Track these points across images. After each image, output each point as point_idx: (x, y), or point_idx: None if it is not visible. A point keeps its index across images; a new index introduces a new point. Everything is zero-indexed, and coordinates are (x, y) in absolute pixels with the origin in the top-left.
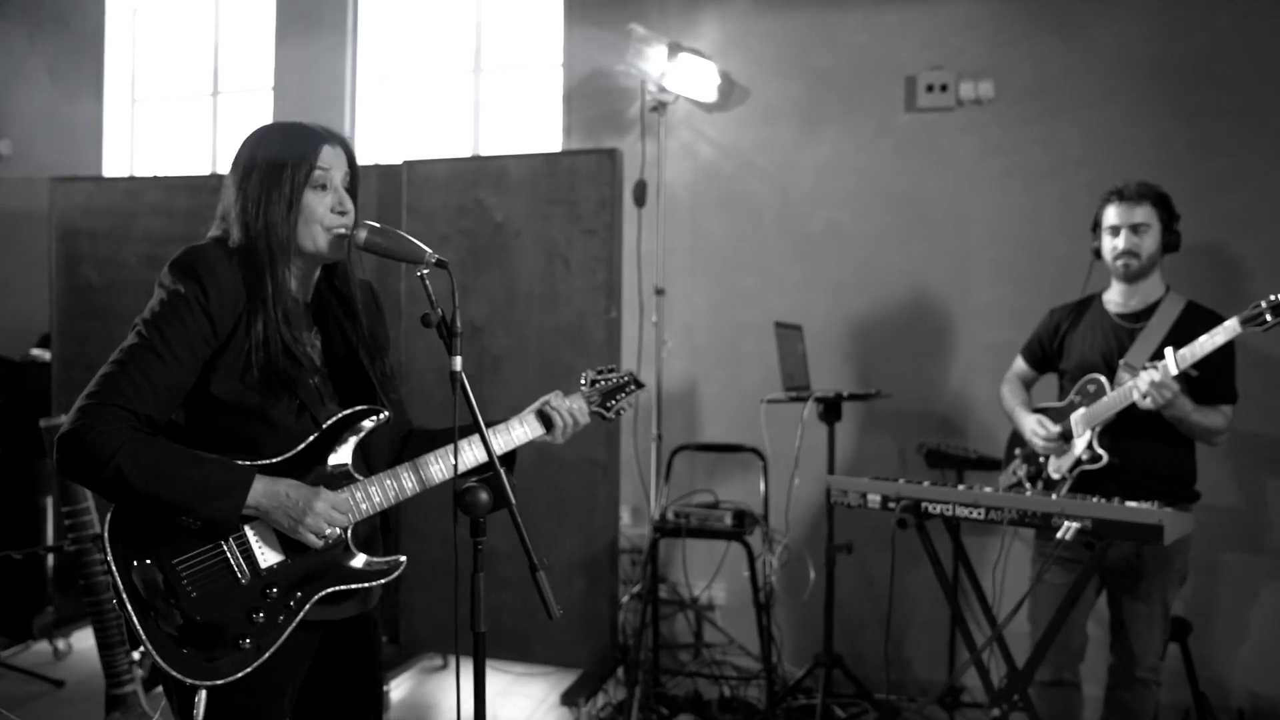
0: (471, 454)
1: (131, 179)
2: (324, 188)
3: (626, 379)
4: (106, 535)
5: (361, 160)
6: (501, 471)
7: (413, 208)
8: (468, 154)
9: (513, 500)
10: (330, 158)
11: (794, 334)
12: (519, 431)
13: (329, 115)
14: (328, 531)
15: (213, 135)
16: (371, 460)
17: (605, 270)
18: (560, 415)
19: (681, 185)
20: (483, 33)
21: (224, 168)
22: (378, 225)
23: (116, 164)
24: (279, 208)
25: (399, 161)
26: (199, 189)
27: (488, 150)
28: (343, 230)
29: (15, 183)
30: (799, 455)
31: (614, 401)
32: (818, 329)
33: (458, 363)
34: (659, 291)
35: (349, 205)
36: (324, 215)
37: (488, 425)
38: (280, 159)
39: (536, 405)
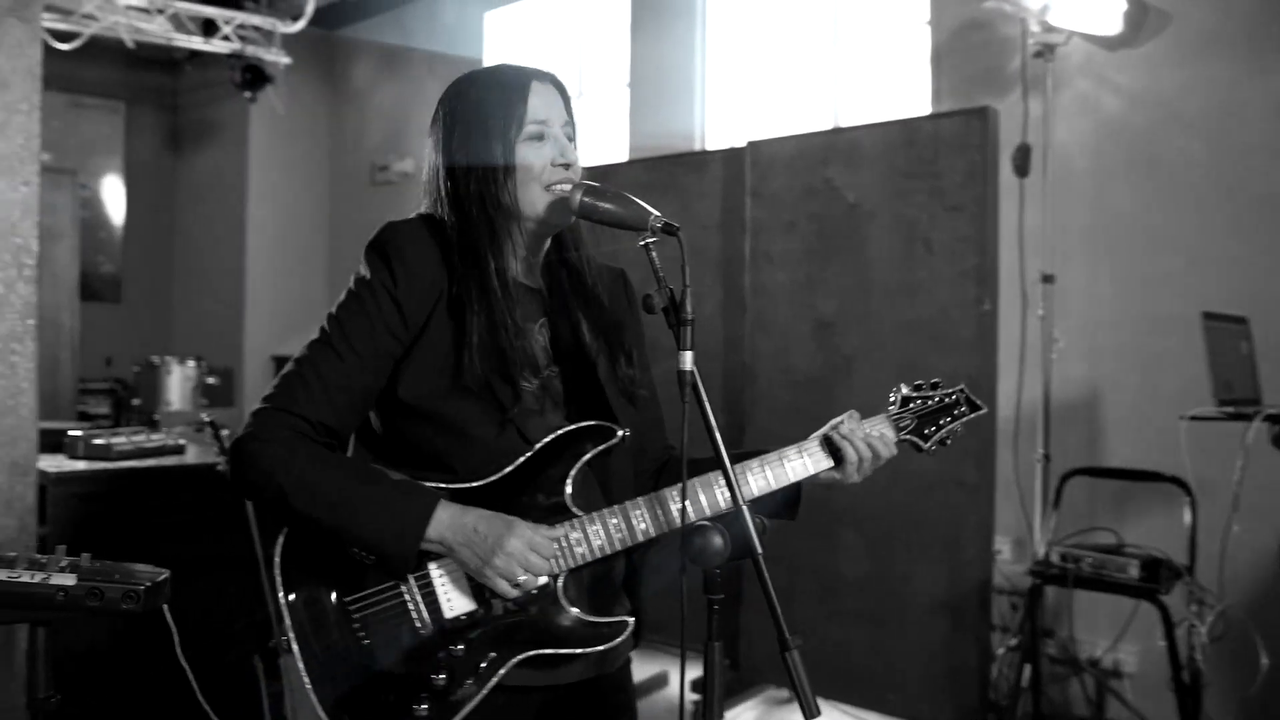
0: (720, 494)
1: None
2: (540, 138)
3: (954, 398)
4: (278, 560)
5: (711, 145)
6: (745, 510)
7: (756, 192)
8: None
9: (758, 549)
10: (543, 100)
11: (1233, 329)
12: (796, 464)
13: (681, 103)
14: (521, 578)
15: None
16: (612, 494)
17: (976, 254)
18: (854, 446)
19: (1077, 147)
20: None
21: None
22: (596, 185)
23: None
24: (490, 165)
25: (743, 144)
26: None
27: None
28: (567, 186)
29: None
30: (1239, 491)
31: (935, 428)
32: (1270, 323)
33: (688, 359)
34: (1046, 279)
35: (573, 155)
36: (543, 170)
37: (754, 456)
38: (485, 106)
39: (823, 430)
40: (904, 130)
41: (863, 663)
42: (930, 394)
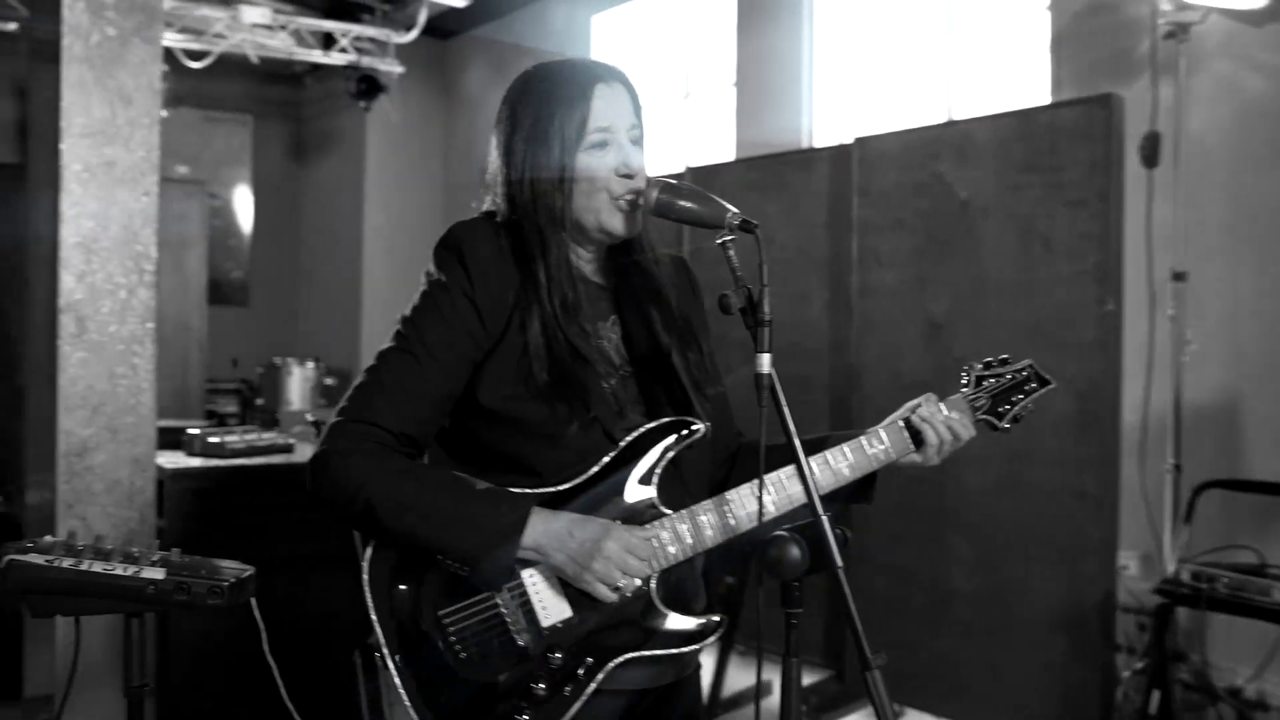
0: (798, 486)
1: None
2: (604, 145)
3: (1025, 372)
4: (366, 578)
5: (819, 143)
6: (824, 519)
7: (864, 190)
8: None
9: (839, 561)
10: (608, 103)
11: None
12: (876, 449)
13: (788, 101)
14: (620, 582)
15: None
16: (690, 488)
17: (1097, 251)
18: (935, 428)
19: (1215, 134)
20: None
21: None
22: (672, 182)
23: None
24: (549, 175)
25: (850, 140)
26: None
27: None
28: (632, 198)
29: None
30: None
31: (1009, 405)
32: None
33: (765, 362)
34: (1178, 276)
35: (637, 164)
36: (608, 180)
37: (834, 442)
38: (546, 110)
39: (900, 413)
40: (1019, 121)
41: (975, 679)
42: (1001, 370)
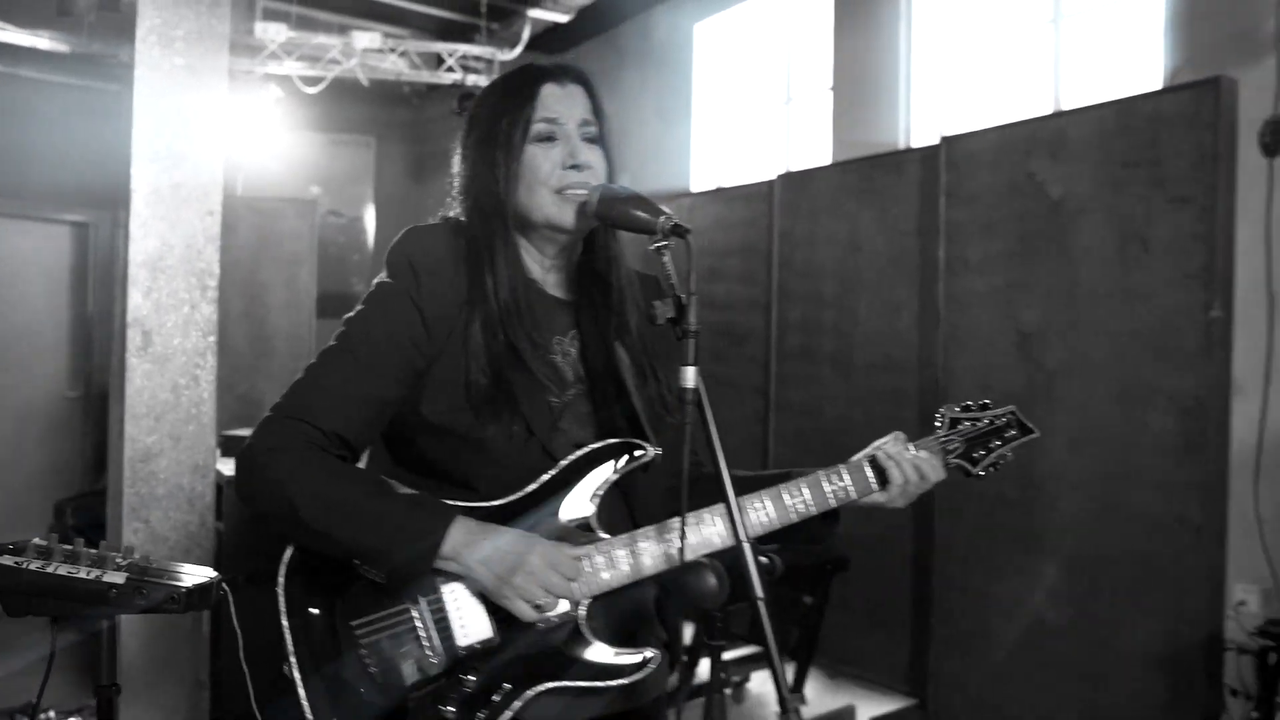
0: (754, 517)
1: (695, 194)
2: (550, 139)
3: (1004, 420)
4: (281, 579)
5: (910, 143)
6: (747, 546)
7: (951, 193)
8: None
9: (758, 592)
10: (557, 100)
11: None
12: (834, 486)
13: (884, 102)
14: (541, 600)
15: (785, 142)
16: (637, 516)
17: (1204, 252)
18: (900, 467)
19: None
20: None
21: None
22: (613, 186)
23: (702, 180)
24: (495, 170)
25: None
26: (752, 198)
27: None
28: (579, 191)
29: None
30: None
31: (985, 451)
32: None
33: (690, 375)
34: None
35: (584, 157)
36: (550, 173)
37: (795, 477)
38: (496, 110)
39: (867, 450)
40: (1119, 112)
41: (1066, 719)
42: (979, 415)
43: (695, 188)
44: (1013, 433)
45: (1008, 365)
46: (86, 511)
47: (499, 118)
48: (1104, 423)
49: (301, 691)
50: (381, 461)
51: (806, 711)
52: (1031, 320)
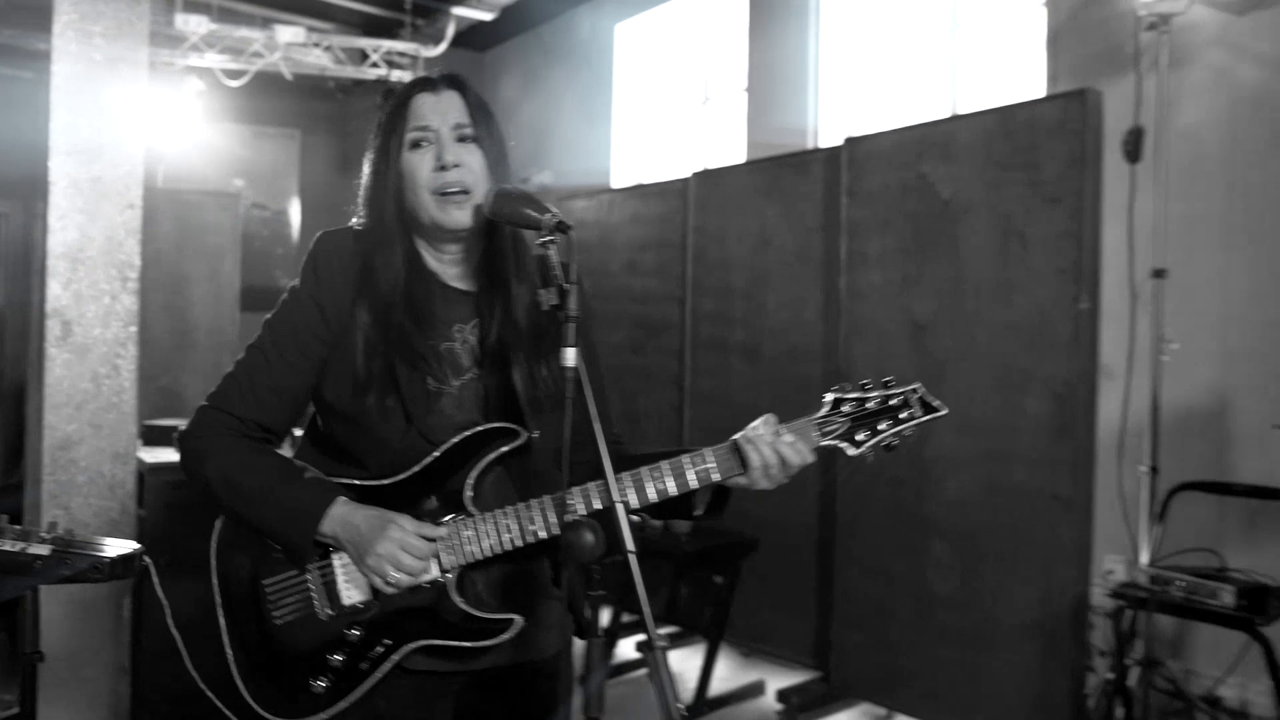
0: (633, 495)
1: (615, 190)
2: (422, 145)
3: (899, 399)
4: (214, 544)
5: (819, 143)
6: (620, 508)
7: (852, 191)
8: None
9: (630, 547)
10: (428, 108)
11: None
12: (698, 468)
13: (794, 103)
14: (392, 576)
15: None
16: (530, 494)
17: (1074, 249)
18: (759, 451)
19: (1205, 129)
20: None
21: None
22: (506, 186)
23: (623, 176)
24: (381, 179)
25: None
26: (669, 194)
27: None
28: (454, 190)
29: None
30: None
31: (869, 433)
32: None
33: (571, 356)
34: (1157, 274)
35: (452, 158)
36: (426, 177)
37: (673, 455)
38: (381, 126)
39: (739, 434)
40: (1000, 119)
41: (956, 684)
42: (870, 395)
43: (615, 184)
44: (910, 412)
45: (902, 354)
46: None
47: (381, 133)
48: (986, 407)
49: (225, 634)
50: (305, 450)
51: (717, 687)
52: (924, 312)
